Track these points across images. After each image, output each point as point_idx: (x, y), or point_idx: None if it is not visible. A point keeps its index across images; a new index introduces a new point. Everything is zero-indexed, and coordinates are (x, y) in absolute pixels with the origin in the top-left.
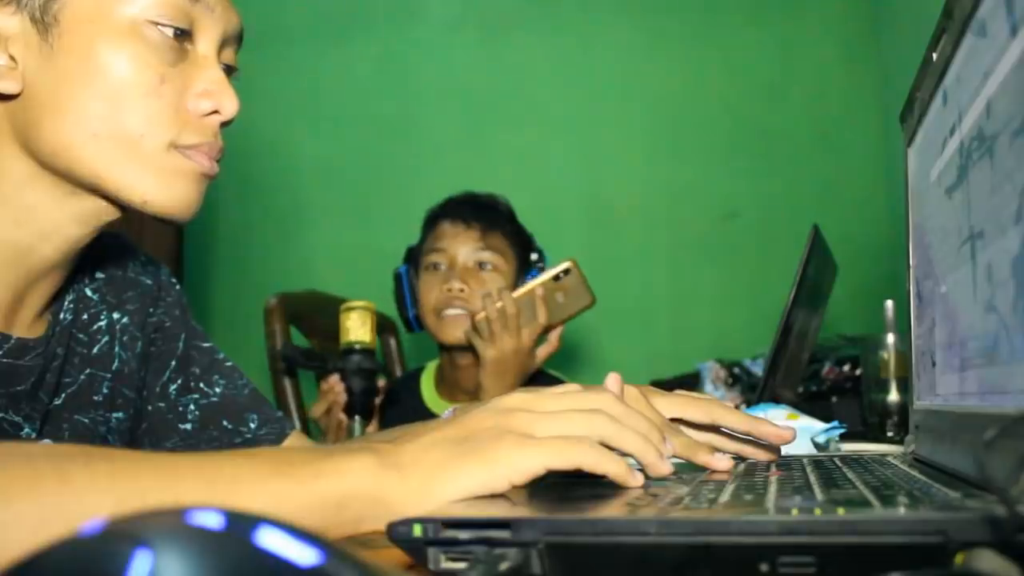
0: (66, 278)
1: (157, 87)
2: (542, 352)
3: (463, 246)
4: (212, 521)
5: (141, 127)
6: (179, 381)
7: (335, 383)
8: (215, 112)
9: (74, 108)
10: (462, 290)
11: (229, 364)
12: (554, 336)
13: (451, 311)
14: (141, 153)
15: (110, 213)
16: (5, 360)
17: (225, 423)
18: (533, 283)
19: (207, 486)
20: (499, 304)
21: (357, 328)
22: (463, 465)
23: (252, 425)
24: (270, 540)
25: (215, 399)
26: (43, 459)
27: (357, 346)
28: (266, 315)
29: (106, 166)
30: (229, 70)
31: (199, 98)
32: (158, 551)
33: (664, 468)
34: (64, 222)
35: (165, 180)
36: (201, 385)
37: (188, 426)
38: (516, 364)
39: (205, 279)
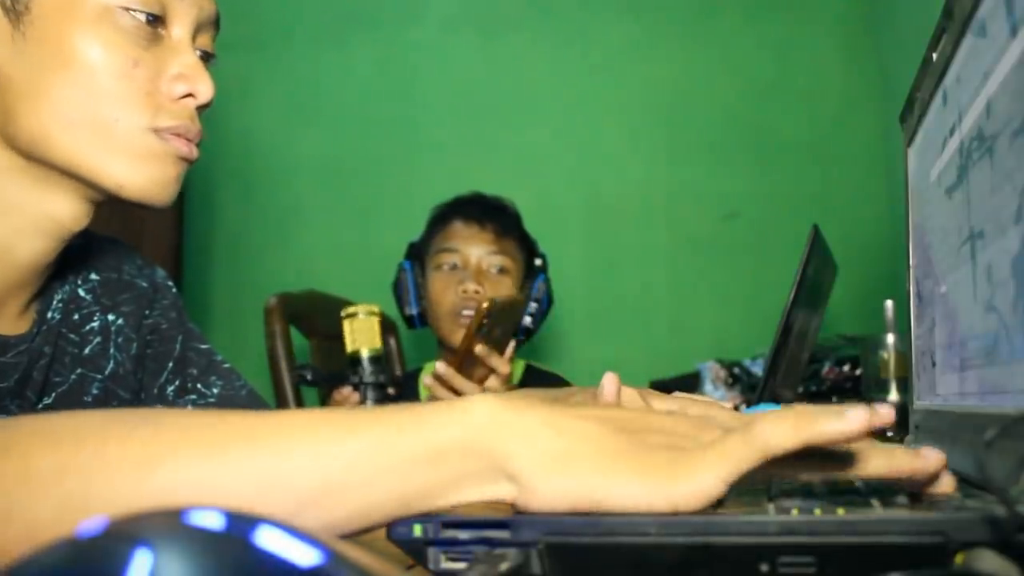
0: (52, 278)
1: (130, 70)
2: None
3: (476, 247)
4: (212, 521)
5: (115, 111)
6: (176, 383)
7: (348, 394)
8: (190, 96)
9: (48, 95)
10: (477, 292)
11: (227, 366)
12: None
13: (468, 312)
14: (116, 137)
15: (89, 209)
16: None
17: None
18: (466, 344)
19: (251, 453)
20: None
21: (364, 332)
22: (631, 459)
23: None
24: (270, 540)
25: (212, 400)
26: (83, 434)
27: (366, 352)
28: (266, 315)
29: (82, 152)
30: (207, 56)
31: (173, 81)
32: (158, 551)
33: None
34: (44, 219)
35: (140, 163)
36: (199, 386)
37: None
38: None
39: (205, 279)
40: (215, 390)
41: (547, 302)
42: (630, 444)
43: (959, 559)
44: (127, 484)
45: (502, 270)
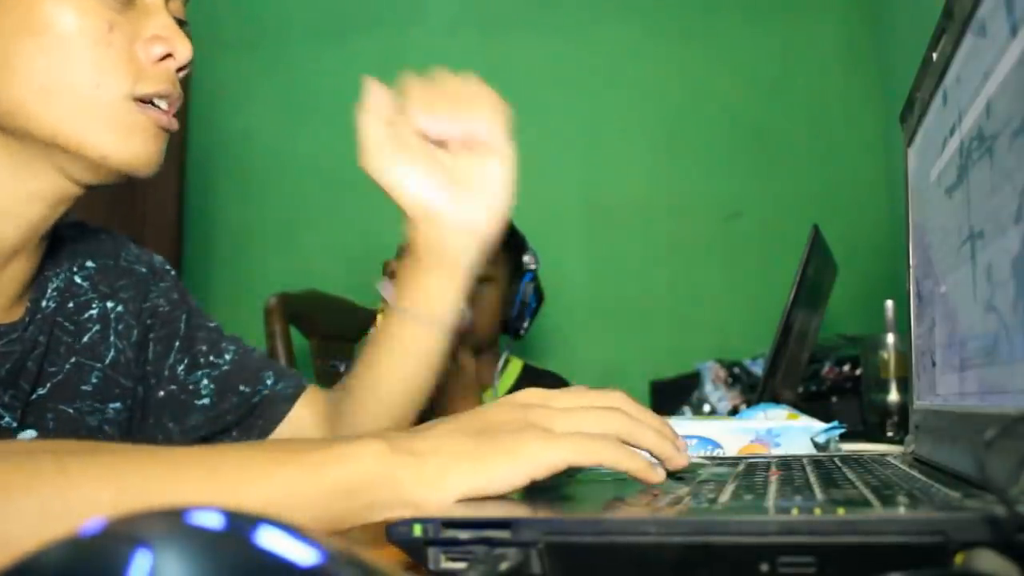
0: (43, 265)
1: (105, 35)
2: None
3: None
4: (212, 521)
5: (95, 77)
6: (185, 360)
7: None
8: (169, 56)
9: (22, 64)
10: None
11: (236, 336)
12: None
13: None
14: (97, 105)
15: (70, 188)
16: None
17: (242, 388)
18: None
19: (210, 478)
20: None
21: None
22: (483, 455)
23: (269, 382)
24: (270, 540)
25: (226, 367)
26: (43, 452)
27: None
28: (266, 315)
29: (61, 121)
30: (180, 24)
31: (150, 43)
32: (158, 551)
33: (682, 461)
34: (24, 198)
35: (123, 135)
36: (211, 358)
37: (206, 400)
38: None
39: (205, 279)
40: (227, 356)
41: (535, 301)
42: (491, 440)
43: (959, 559)
44: (91, 499)
45: (483, 278)
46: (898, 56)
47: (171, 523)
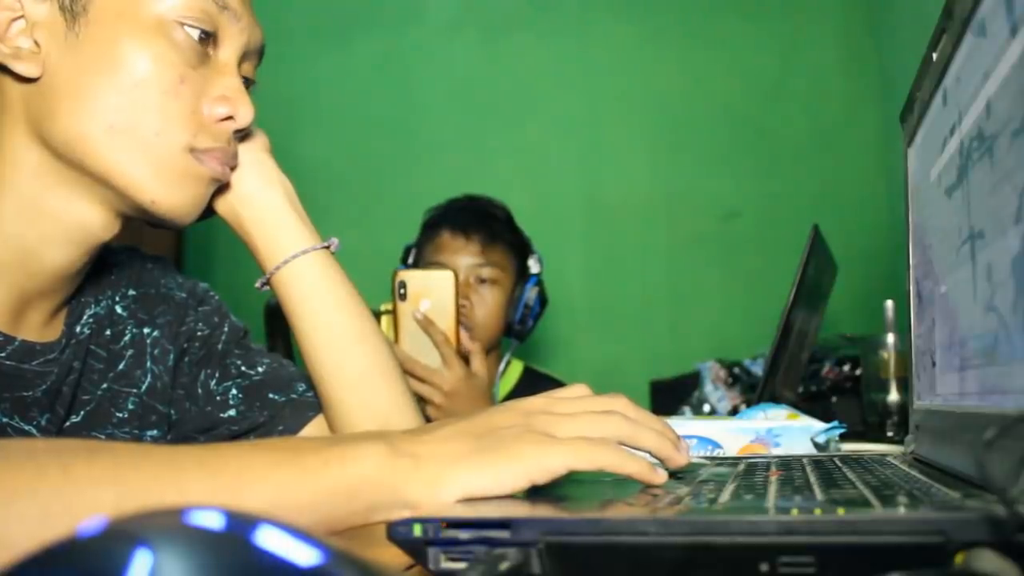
0: (84, 292)
1: (176, 87)
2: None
3: (463, 260)
4: (212, 521)
5: (157, 125)
6: (217, 374)
7: None
8: (229, 118)
9: (92, 98)
10: (463, 306)
11: (277, 355)
12: (463, 338)
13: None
14: (156, 152)
15: (114, 222)
16: (8, 362)
17: (272, 396)
18: (397, 321)
19: (211, 479)
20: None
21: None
22: (483, 459)
23: (301, 388)
24: (270, 540)
25: (258, 378)
26: (46, 454)
27: None
28: (266, 315)
29: (119, 160)
30: (247, 83)
31: (215, 103)
32: (158, 551)
33: (682, 460)
34: (70, 226)
35: (176, 182)
36: (243, 369)
37: (232, 412)
38: (470, 388)
39: (205, 279)
40: (260, 368)
41: (539, 304)
42: (492, 444)
43: (959, 559)
44: (93, 501)
45: (489, 281)
46: (898, 56)
47: (171, 523)
